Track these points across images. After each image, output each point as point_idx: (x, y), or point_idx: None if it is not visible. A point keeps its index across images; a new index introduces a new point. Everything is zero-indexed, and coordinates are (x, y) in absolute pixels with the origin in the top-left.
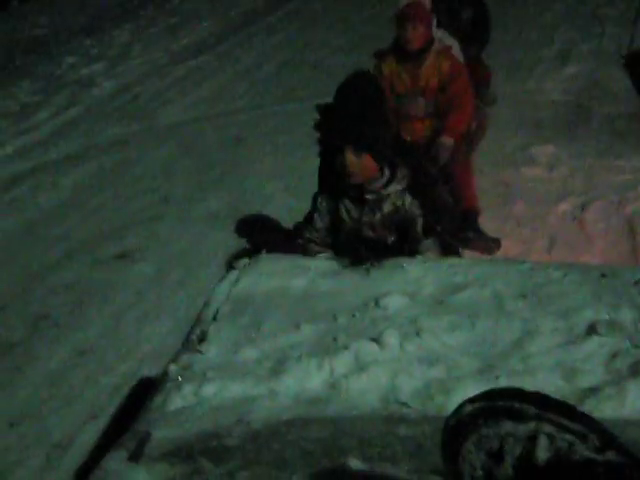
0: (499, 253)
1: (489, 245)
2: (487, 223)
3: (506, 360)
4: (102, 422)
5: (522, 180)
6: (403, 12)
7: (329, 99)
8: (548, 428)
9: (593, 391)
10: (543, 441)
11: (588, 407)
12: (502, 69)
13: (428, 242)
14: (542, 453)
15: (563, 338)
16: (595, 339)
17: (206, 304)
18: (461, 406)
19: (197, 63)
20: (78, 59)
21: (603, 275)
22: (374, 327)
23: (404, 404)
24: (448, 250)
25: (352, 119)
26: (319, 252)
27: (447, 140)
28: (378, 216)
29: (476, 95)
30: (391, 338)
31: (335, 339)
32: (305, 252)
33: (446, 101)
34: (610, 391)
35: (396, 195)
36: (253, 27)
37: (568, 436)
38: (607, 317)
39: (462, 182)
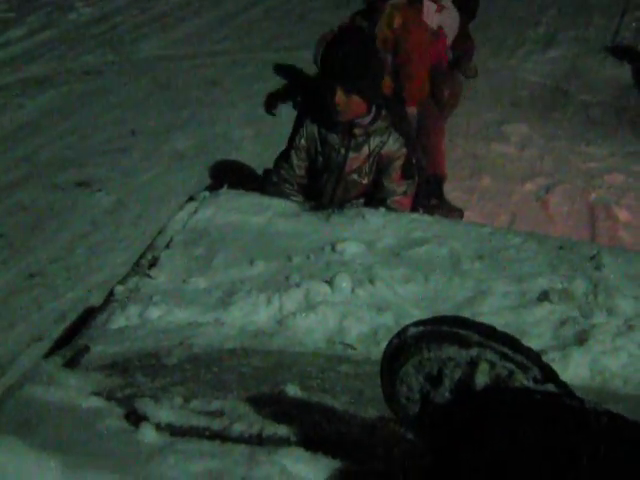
0: None
1: (451, 214)
2: (452, 193)
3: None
4: (46, 345)
5: (492, 155)
6: None
7: (311, 50)
8: (490, 355)
9: (540, 353)
10: (483, 367)
11: None
12: (486, 44)
13: (402, 187)
14: (481, 378)
15: (515, 301)
16: (546, 305)
17: (161, 232)
18: (405, 329)
19: (181, 1)
20: None
21: (561, 247)
22: (328, 270)
23: (349, 346)
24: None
25: (345, 58)
26: (291, 195)
27: (408, 110)
28: (364, 152)
29: (457, 65)
30: (343, 282)
31: (287, 277)
32: (278, 193)
33: (400, 60)
34: (554, 355)
35: (382, 131)
36: None
37: (510, 364)
38: (560, 286)
39: (431, 147)
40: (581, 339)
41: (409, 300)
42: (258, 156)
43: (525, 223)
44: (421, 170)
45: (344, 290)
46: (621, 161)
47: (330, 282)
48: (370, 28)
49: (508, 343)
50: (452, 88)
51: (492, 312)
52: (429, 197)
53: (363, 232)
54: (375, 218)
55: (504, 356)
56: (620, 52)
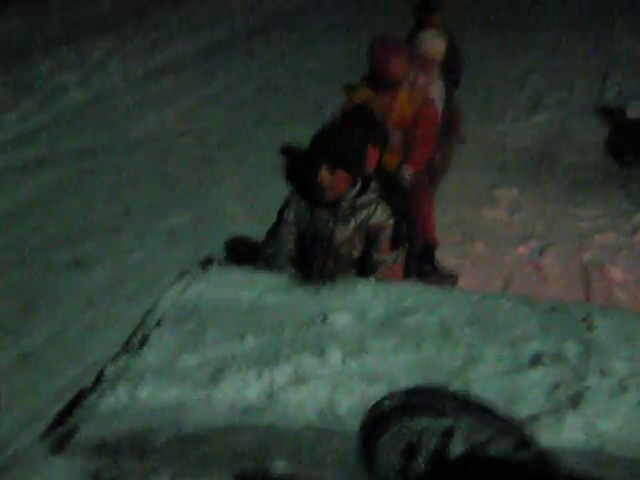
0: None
1: (445, 280)
2: (445, 260)
3: (448, 384)
4: (41, 426)
5: (483, 220)
6: (382, 43)
7: (302, 125)
8: (467, 423)
9: (532, 419)
10: (459, 436)
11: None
12: (474, 111)
13: (391, 256)
14: (457, 447)
15: (507, 366)
16: (539, 369)
17: (151, 309)
18: (380, 401)
19: (173, 80)
20: (53, 66)
21: (553, 309)
22: (318, 342)
23: (341, 419)
24: (412, 266)
25: (329, 136)
26: (282, 269)
27: (408, 170)
28: (352, 224)
29: (446, 133)
30: (334, 354)
31: (277, 351)
32: (269, 266)
33: (413, 136)
34: (549, 420)
35: (369, 203)
36: (233, 50)
37: (489, 430)
38: (552, 349)
39: (422, 214)
40: (575, 402)
41: (400, 370)
42: (253, 231)
43: (519, 287)
44: (413, 237)
45: (335, 362)
46: (611, 221)
47: (320, 355)
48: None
49: (484, 410)
50: (444, 155)
51: (484, 378)
52: (422, 264)
53: (353, 303)
54: (365, 289)
55: (482, 423)
56: (604, 114)
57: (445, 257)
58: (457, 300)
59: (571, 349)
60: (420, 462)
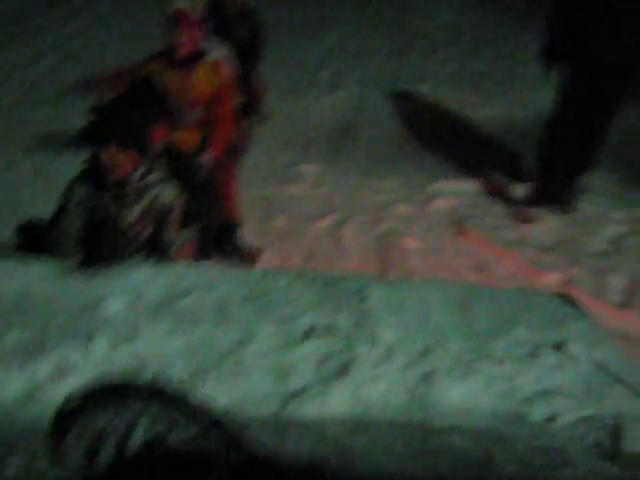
0: (258, 265)
1: (248, 257)
2: (249, 236)
3: (221, 363)
4: None
5: (286, 196)
6: (174, 15)
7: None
8: (150, 414)
9: (300, 392)
10: (141, 427)
11: (293, 407)
12: (277, 89)
13: (181, 237)
14: (137, 439)
15: (280, 341)
16: (311, 342)
17: None
18: (60, 405)
19: None
20: None
21: (328, 283)
22: (87, 331)
23: None
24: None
25: (110, 115)
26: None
27: (207, 157)
28: (140, 205)
29: (247, 111)
30: (102, 342)
31: (43, 343)
32: (55, 251)
33: (211, 116)
34: (316, 391)
35: (156, 183)
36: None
37: (170, 419)
38: (325, 322)
39: (224, 194)
40: (343, 371)
41: (172, 353)
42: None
43: (320, 260)
44: (212, 217)
45: (102, 351)
46: (406, 192)
47: (87, 343)
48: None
49: (172, 399)
50: (243, 135)
51: (257, 355)
52: (223, 244)
53: (129, 287)
54: (142, 272)
55: (165, 412)
56: (402, 92)
57: (248, 234)
58: (235, 279)
59: (343, 320)
60: (102, 459)
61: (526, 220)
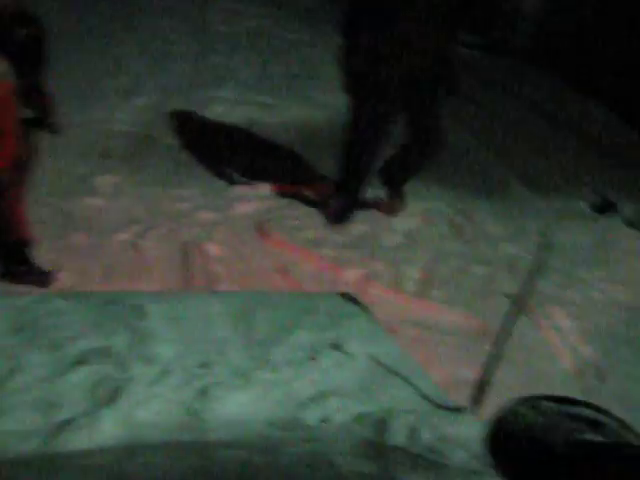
0: (54, 286)
1: (40, 278)
2: (43, 255)
3: None
4: None
5: (83, 210)
6: None
7: None
8: None
9: (69, 422)
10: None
11: (62, 440)
12: (73, 96)
13: None
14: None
15: (49, 371)
16: (83, 368)
17: None
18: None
19: None
20: None
21: (107, 301)
22: None
23: None
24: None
25: None
26: None
27: None
28: None
29: (35, 123)
30: None
31: None
32: None
33: None
34: (85, 421)
35: None
36: None
37: None
38: (100, 344)
39: (10, 214)
40: (114, 396)
41: None
42: None
43: (121, 274)
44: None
45: None
46: (209, 198)
47: None
48: None
49: None
50: (29, 149)
51: (24, 388)
52: (15, 264)
53: None
54: None
55: None
56: (202, 97)
57: (42, 253)
58: (3, 308)
59: (119, 341)
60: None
61: (333, 220)
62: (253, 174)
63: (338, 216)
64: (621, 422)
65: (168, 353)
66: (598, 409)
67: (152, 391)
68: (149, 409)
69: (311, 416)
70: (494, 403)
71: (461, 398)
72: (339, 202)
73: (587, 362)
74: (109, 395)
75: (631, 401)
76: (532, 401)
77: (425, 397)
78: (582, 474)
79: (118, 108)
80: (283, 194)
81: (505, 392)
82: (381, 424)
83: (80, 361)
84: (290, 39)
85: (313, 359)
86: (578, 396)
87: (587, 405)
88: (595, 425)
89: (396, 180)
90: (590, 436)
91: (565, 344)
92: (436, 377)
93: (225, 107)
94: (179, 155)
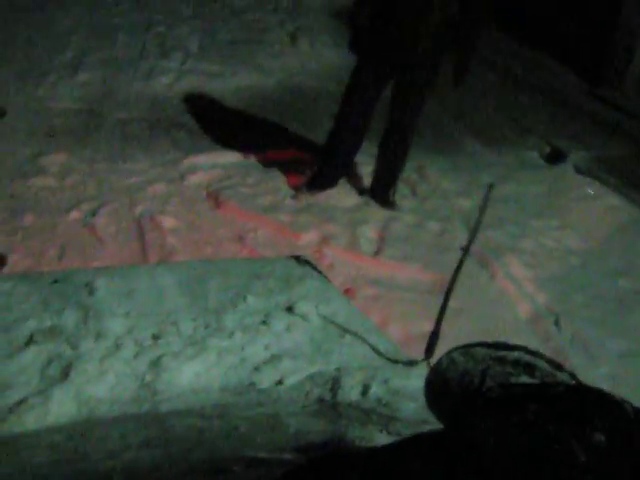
0: (6, 270)
1: None
2: None
3: None
4: None
5: (32, 191)
6: None
7: None
8: None
9: (19, 404)
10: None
11: (12, 422)
12: (13, 74)
13: None
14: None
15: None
16: (32, 349)
17: None
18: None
19: None
20: None
21: (55, 281)
22: None
23: None
24: None
25: None
26: None
27: None
28: None
29: None
30: None
31: None
32: None
33: None
34: (35, 400)
35: None
36: None
37: None
38: (49, 323)
39: None
40: (66, 374)
41: None
42: None
43: (75, 253)
44: None
45: None
46: (161, 170)
47: None
48: None
49: None
50: None
51: None
52: None
53: None
54: None
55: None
56: (148, 68)
57: None
58: None
59: (69, 319)
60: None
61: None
62: (207, 143)
63: (313, 183)
64: (554, 363)
65: (119, 327)
66: (533, 352)
67: (104, 366)
68: (102, 384)
69: (265, 380)
70: None
71: (417, 352)
72: (318, 170)
73: (543, 309)
74: (61, 373)
75: (587, 345)
76: (467, 348)
77: (378, 353)
78: (504, 415)
79: (61, 85)
80: (270, 162)
81: (461, 342)
82: (334, 382)
83: (30, 341)
84: (234, 5)
85: (266, 323)
86: (535, 342)
87: (522, 349)
88: (531, 368)
89: (383, 190)
90: (525, 379)
91: (521, 292)
92: (394, 333)
93: (172, 77)
94: (127, 129)
